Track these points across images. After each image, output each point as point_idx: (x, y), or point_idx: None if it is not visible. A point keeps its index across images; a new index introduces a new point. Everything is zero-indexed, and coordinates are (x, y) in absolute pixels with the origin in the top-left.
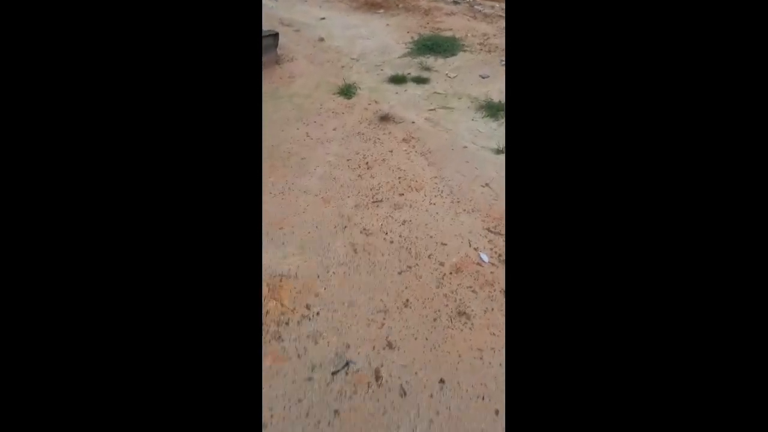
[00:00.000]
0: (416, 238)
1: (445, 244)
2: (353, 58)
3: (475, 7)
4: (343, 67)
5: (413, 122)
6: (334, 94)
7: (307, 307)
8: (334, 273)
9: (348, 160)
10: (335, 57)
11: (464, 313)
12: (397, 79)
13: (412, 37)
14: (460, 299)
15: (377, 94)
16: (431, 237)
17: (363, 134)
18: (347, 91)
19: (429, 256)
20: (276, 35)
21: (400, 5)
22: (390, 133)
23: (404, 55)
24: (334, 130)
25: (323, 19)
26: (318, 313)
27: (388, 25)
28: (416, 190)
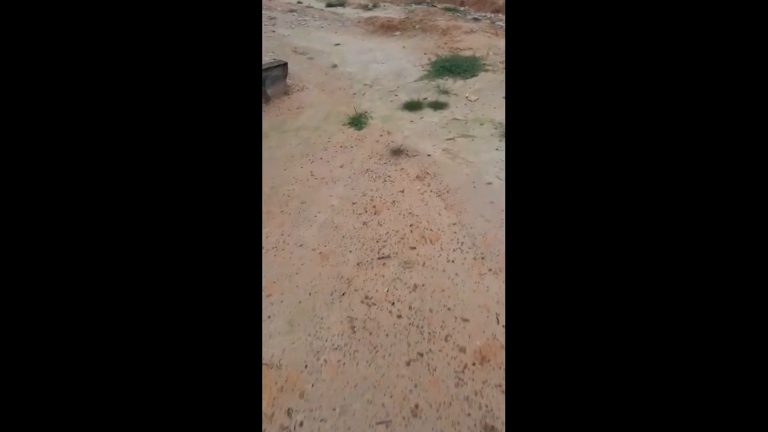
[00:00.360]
0: (430, 310)
1: (467, 320)
2: (366, 84)
3: (497, 23)
4: (354, 94)
5: (429, 155)
6: (344, 125)
7: (289, 413)
8: (325, 361)
9: (353, 203)
10: (347, 84)
11: (492, 428)
12: (412, 106)
13: (429, 59)
14: (487, 405)
15: (390, 123)
16: (449, 309)
17: (372, 171)
18: (358, 122)
19: (446, 338)
20: (284, 65)
21: (417, 26)
22: (402, 169)
23: (420, 79)
24: (341, 167)
25: (338, 45)
26: (301, 424)
27: (404, 47)
28: (431, 241)
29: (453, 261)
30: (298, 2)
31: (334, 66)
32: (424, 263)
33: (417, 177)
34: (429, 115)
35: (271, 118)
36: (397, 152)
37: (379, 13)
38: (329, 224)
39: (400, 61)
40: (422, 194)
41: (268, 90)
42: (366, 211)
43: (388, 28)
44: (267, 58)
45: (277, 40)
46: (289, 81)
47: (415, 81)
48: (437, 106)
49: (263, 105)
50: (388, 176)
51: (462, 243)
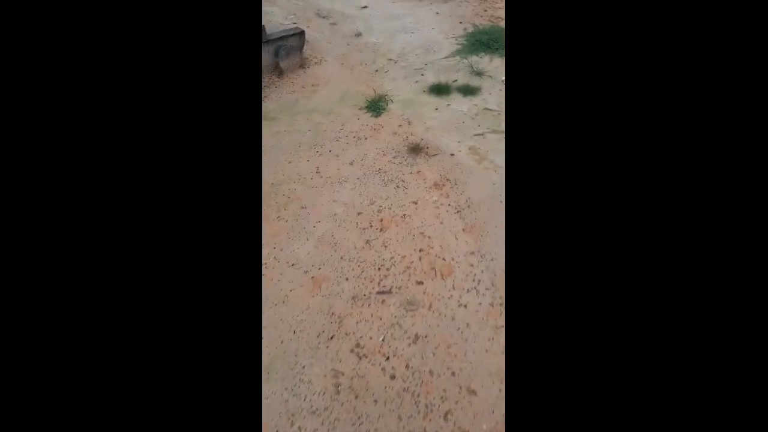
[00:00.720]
0: (430, 373)
1: (474, 393)
2: (391, 59)
3: None
4: (377, 71)
5: (452, 154)
6: (360, 108)
7: None
8: (299, 429)
9: (359, 213)
10: (370, 57)
11: None
12: (440, 89)
13: (464, 29)
14: None
15: (412, 109)
16: (453, 374)
17: (385, 173)
18: (376, 106)
19: (446, 415)
20: (301, 34)
21: None
22: (419, 172)
23: (452, 55)
24: (351, 164)
25: (365, 8)
26: None
27: (437, 13)
28: (442, 275)
29: (465, 306)
30: None
31: (358, 34)
32: (430, 305)
33: (435, 184)
34: (457, 102)
35: (283, 97)
36: (416, 149)
37: None
38: (328, 239)
39: (431, 32)
40: (438, 208)
41: (282, 63)
42: (371, 226)
43: None
44: (288, 23)
45: (302, 0)
46: (307, 51)
47: (445, 57)
48: (468, 91)
49: (276, 79)
50: (402, 180)
51: (479, 281)
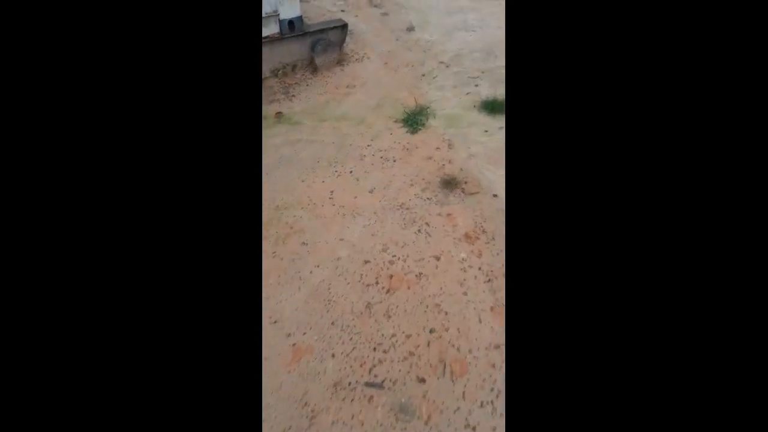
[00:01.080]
0: None
1: None
2: (442, 62)
3: None
4: (423, 75)
5: (495, 195)
6: (396, 121)
7: None
8: None
9: (366, 262)
10: (419, 58)
11: None
12: (494, 106)
13: None
14: None
15: (456, 128)
16: None
17: (408, 210)
18: (415, 120)
19: None
20: (342, 27)
21: None
22: (449, 215)
23: None
24: (371, 193)
25: None
26: None
27: None
28: (452, 374)
29: (474, 429)
30: None
31: (410, 29)
32: (428, 418)
33: (466, 235)
34: None
35: (312, 98)
36: (451, 183)
37: None
38: (323, 293)
39: (495, 31)
40: (465, 271)
41: (317, 59)
42: (377, 283)
43: None
44: (335, 9)
45: None
46: (349, 45)
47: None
48: None
49: (309, 76)
50: (427, 224)
51: (498, 393)
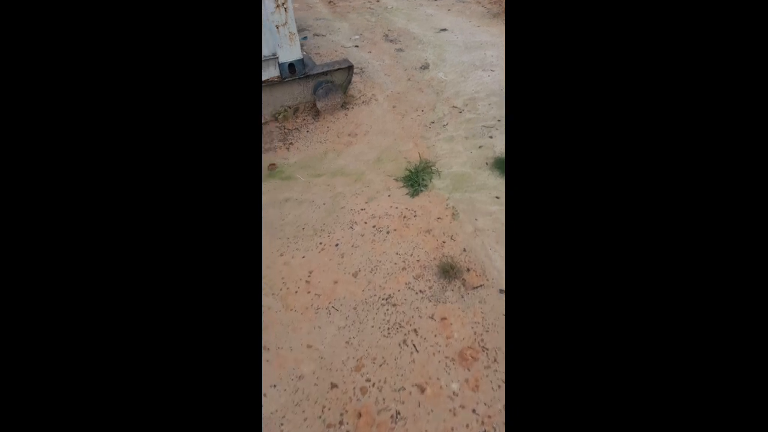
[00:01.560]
0: None
1: None
2: (455, 107)
3: None
4: (433, 123)
5: (502, 291)
6: (396, 180)
7: None
8: None
9: (333, 387)
10: (430, 101)
11: None
12: None
13: None
14: None
15: (464, 192)
16: None
17: (394, 307)
18: (417, 180)
19: None
20: (348, 69)
21: None
22: (443, 320)
23: None
24: (355, 276)
25: (443, 31)
26: None
27: None
28: None
29: None
30: None
31: (425, 67)
32: None
33: (461, 355)
34: None
35: (310, 147)
36: (451, 270)
37: None
38: None
39: None
40: (455, 415)
41: (319, 103)
42: (341, 423)
43: None
44: (349, 45)
45: (375, 15)
46: (357, 85)
47: None
48: None
49: (310, 122)
50: (415, 331)
51: None
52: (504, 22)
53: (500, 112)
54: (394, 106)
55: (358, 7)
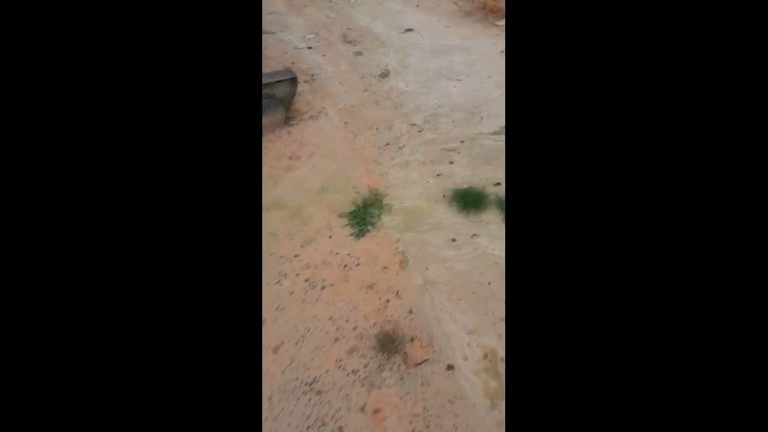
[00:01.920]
0: None
1: None
2: (414, 124)
3: None
4: (388, 144)
5: (450, 367)
6: (341, 216)
7: None
8: None
9: None
10: (387, 117)
11: None
12: (469, 198)
13: None
14: None
15: (415, 233)
16: None
17: (320, 396)
18: (364, 217)
19: None
20: (291, 81)
21: None
22: (377, 413)
23: (505, 129)
24: (276, 352)
25: (409, 31)
26: None
27: (502, 52)
28: None
29: None
30: None
31: (384, 74)
32: None
33: None
34: (492, 232)
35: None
36: (391, 342)
37: None
38: None
39: (484, 82)
40: None
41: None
42: None
43: (491, 11)
44: (302, 46)
45: (336, 10)
46: (306, 95)
47: (495, 133)
48: None
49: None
50: (340, 429)
51: None
52: (476, 21)
53: (464, 131)
54: (346, 123)
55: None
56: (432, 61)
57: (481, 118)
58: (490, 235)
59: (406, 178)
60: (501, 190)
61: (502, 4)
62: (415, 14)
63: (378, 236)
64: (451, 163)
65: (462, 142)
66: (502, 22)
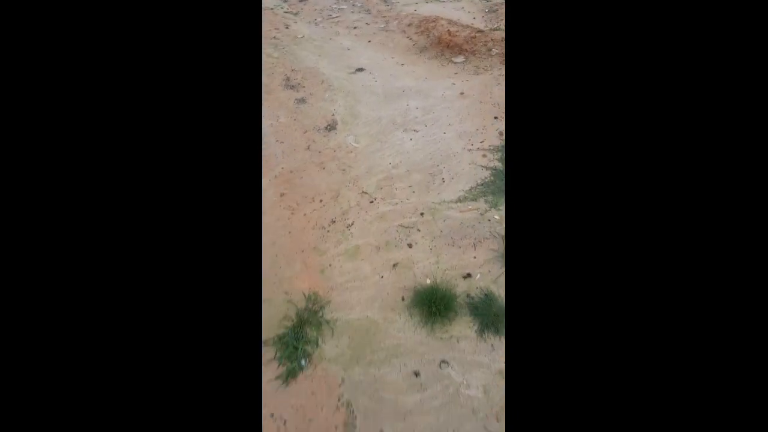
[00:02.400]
0: None
1: None
2: (366, 192)
3: None
4: (333, 222)
5: None
6: (265, 344)
7: None
8: None
9: None
10: (334, 185)
11: None
12: (433, 301)
13: (501, 132)
14: None
15: (366, 369)
16: None
17: None
18: (296, 345)
19: None
20: None
21: (494, 50)
22: None
23: (474, 193)
24: None
25: (360, 71)
26: None
27: (462, 94)
28: None
29: None
30: None
31: (331, 127)
32: None
33: None
34: (465, 355)
35: None
36: None
37: (447, 10)
38: None
39: (446, 131)
40: None
41: None
42: None
43: (447, 46)
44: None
45: (280, 48)
46: None
47: (459, 200)
48: (491, 319)
49: None
50: None
51: None
52: (432, 58)
53: (424, 198)
54: (282, 195)
55: (262, 35)
56: (385, 108)
57: (443, 180)
58: (462, 361)
59: (356, 272)
60: (471, 286)
61: (458, 39)
62: (366, 50)
63: (314, 378)
64: (410, 246)
65: (422, 214)
66: (460, 59)
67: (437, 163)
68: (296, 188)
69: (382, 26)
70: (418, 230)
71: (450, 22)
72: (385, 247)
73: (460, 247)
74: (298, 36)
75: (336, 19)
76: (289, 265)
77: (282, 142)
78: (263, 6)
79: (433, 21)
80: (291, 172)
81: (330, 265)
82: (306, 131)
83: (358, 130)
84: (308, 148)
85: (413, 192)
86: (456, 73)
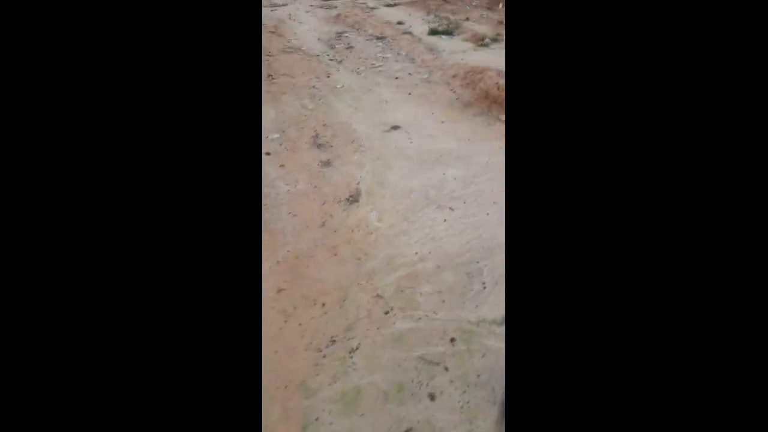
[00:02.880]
0: None
1: None
2: (380, 296)
3: None
4: (332, 343)
5: None
6: None
7: None
8: None
9: None
10: (343, 280)
11: None
12: None
13: None
14: None
15: None
16: None
17: None
18: None
19: None
20: None
21: None
22: None
23: None
24: None
25: (394, 129)
26: None
27: None
28: None
29: None
30: (399, 23)
31: (354, 199)
32: None
33: None
34: None
35: None
36: None
37: (497, 59)
38: None
39: (490, 213)
40: None
41: None
42: None
43: (495, 101)
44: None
45: (316, 99)
46: None
47: (503, 321)
48: None
49: None
50: None
51: None
52: (477, 115)
53: (456, 312)
54: (280, 291)
55: (301, 84)
56: (418, 176)
57: (483, 286)
58: None
59: None
60: None
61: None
62: (404, 104)
63: None
64: (432, 398)
65: (452, 340)
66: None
67: (477, 259)
68: (299, 282)
69: (425, 77)
70: (446, 369)
71: (499, 73)
72: (395, 393)
73: (503, 404)
74: (338, 86)
75: (378, 68)
76: (265, 407)
77: (295, 216)
78: (307, 52)
79: (480, 72)
80: (297, 257)
81: (316, 419)
82: (325, 202)
83: (384, 204)
84: (323, 224)
85: (443, 301)
86: (503, 133)
